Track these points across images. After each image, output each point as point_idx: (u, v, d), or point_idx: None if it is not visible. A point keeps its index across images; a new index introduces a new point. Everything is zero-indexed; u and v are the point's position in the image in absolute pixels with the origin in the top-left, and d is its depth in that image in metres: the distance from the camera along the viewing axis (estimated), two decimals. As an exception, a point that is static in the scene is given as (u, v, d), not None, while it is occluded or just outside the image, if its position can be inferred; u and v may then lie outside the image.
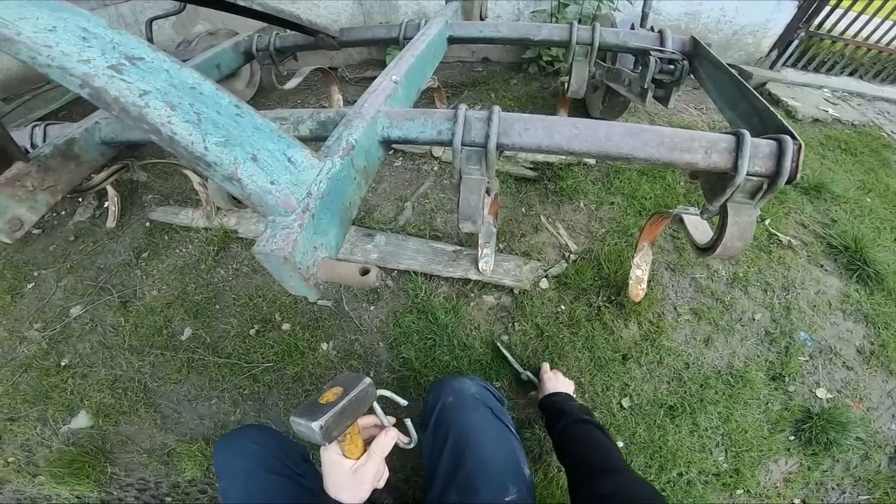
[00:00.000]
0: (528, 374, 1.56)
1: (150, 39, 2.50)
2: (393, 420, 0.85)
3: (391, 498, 0.85)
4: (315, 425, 0.69)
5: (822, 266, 1.95)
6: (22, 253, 2.20)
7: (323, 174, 0.81)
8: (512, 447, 0.97)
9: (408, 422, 0.90)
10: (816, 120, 2.95)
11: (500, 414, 1.03)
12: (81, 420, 1.65)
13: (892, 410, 1.61)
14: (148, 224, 2.21)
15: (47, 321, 1.91)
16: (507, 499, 0.86)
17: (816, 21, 3.16)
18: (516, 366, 1.60)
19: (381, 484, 0.82)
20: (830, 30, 3.31)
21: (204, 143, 0.66)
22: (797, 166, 0.93)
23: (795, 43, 3.28)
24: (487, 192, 1.11)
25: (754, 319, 1.76)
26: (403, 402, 0.88)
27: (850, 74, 3.59)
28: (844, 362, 1.69)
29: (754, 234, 1.90)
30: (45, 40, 0.63)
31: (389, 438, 0.82)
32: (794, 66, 3.49)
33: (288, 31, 1.91)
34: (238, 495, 0.94)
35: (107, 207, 2.21)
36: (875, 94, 3.42)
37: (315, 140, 1.07)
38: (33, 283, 2.07)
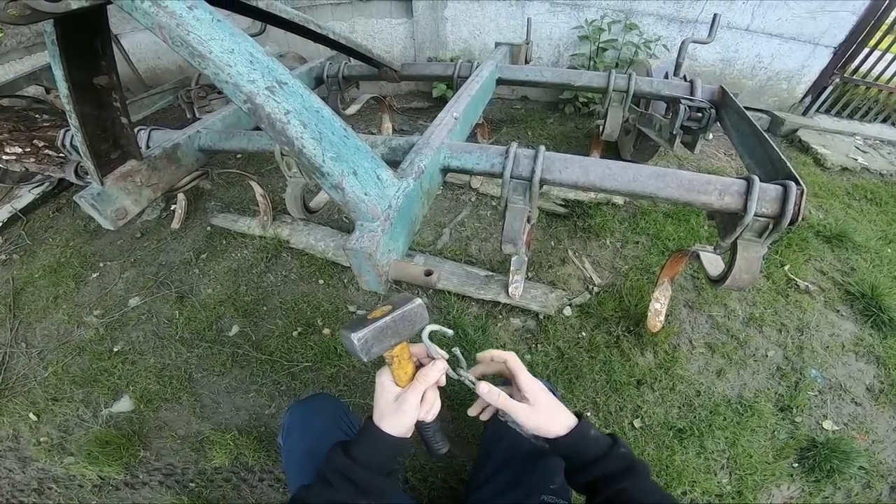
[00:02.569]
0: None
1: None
2: (445, 354, 0.82)
3: (446, 442, 0.85)
4: (355, 337, 0.69)
5: (837, 311, 2.00)
6: (91, 244, 2.43)
7: (400, 191, 0.97)
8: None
9: (456, 350, 0.86)
10: (845, 168, 2.98)
11: None
12: (124, 404, 1.75)
13: None
14: (209, 228, 2.42)
15: (106, 308, 2.09)
16: (551, 486, 0.95)
17: (852, 66, 3.16)
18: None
19: (430, 418, 0.80)
20: (865, 75, 3.31)
21: (323, 156, 0.83)
22: (799, 209, 1.04)
23: (829, 89, 3.28)
24: (528, 220, 1.26)
25: (767, 356, 1.82)
26: (450, 332, 0.83)
27: (884, 121, 3.57)
28: (853, 398, 1.73)
29: (774, 278, 2.02)
30: (228, 60, 0.82)
31: (437, 369, 0.79)
32: (827, 112, 3.48)
33: (355, 61, 2.12)
34: (313, 446, 1.01)
35: (173, 210, 2.44)
36: None
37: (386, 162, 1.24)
38: (98, 273, 2.27)
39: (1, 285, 2.28)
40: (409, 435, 0.77)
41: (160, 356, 1.88)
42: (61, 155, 2.23)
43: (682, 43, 2.05)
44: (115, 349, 1.92)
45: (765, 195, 1.07)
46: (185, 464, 1.59)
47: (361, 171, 0.89)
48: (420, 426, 0.81)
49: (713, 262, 1.37)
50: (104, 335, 1.97)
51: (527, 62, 2.57)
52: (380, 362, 0.78)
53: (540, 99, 3.55)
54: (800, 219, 1.05)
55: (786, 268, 2.13)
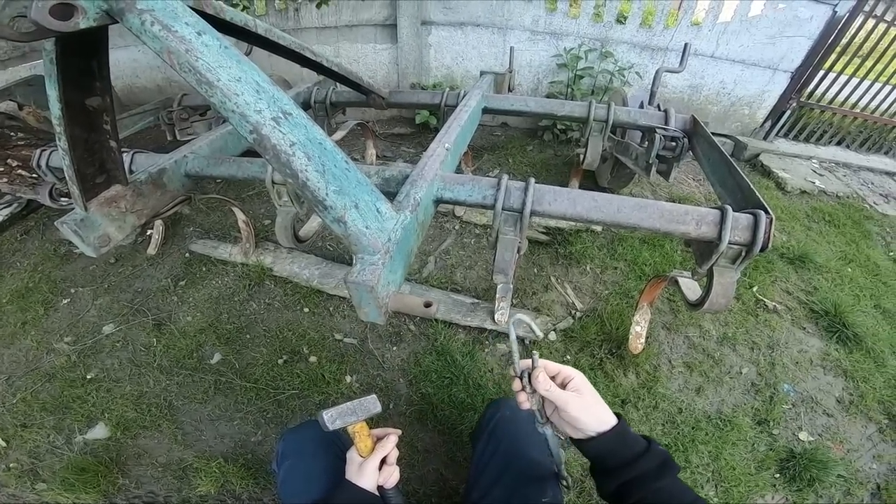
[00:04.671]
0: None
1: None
2: (526, 363, 0.84)
3: (402, 498, 1.02)
4: (325, 412, 0.93)
5: (804, 328, 2.12)
6: (61, 269, 2.34)
7: (398, 224, 0.99)
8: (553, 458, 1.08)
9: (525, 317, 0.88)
10: (804, 192, 3.17)
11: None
12: (99, 431, 1.68)
13: (872, 452, 1.72)
14: (188, 255, 2.37)
15: (78, 335, 2.01)
16: (543, 500, 0.97)
17: (808, 90, 3.36)
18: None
19: (389, 484, 0.99)
20: (820, 98, 3.54)
21: (326, 189, 0.83)
22: (769, 237, 1.12)
23: (788, 113, 3.47)
24: (518, 250, 1.29)
25: (741, 373, 1.91)
26: (540, 334, 0.93)
27: (839, 144, 3.81)
28: (825, 410, 1.83)
29: (743, 299, 2.12)
30: (235, 88, 0.82)
31: (390, 443, 1.01)
32: (786, 136, 3.70)
33: (342, 87, 2.13)
34: (308, 471, 1.07)
35: (149, 235, 2.38)
36: (860, 164, 3.64)
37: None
38: (69, 299, 2.19)
39: (-38, 310, 2.15)
40: (374, 492, 0.96)
41: (137, 384, 1.82)
42: (34, 176, 2.14)
43: (657, 73, 2.16)
44: (89, 376, 1.85)
45: (737, 224, 1.15)
46: (167, 491, 1.54)
47: (362, 204, 0.90)
48: (382, 493, 0.99)
49: (690, 287, 1.45)
50: (76, 362, 1.90)
51: (510, 90, 2.65)
52: None
53: (520, 126, 3.66)
54: (769, 245, 1.13)
55: (754, 289, 2.24)
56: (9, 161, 2.16)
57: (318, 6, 2.60)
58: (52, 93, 1.01)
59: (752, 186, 1.32)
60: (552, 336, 1.94)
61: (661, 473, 0.74)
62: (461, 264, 2.29)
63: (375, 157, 2.81)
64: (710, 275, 1.25)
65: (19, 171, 2.15)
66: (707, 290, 1.27)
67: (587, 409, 0.78)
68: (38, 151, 1.71)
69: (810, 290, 2.31)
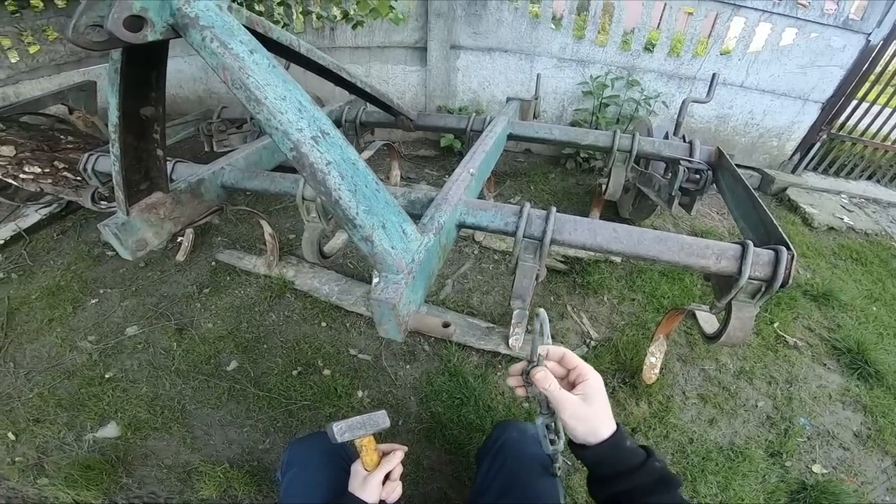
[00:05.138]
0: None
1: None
2: (548, 348, 0.79)
3: None
4: (333, 425, 0.94)
5: (825, 364, 2.08)
6: (92, 270, 2.43)
7: (422, 246, 1.01)
8: (555, 489, 1.06)
9: (541, 311, 0.82)
10: (831, 228, 3.09)
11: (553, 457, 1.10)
12: (109, 430, 1.71)
13: (886, 485, 1.68)
14: (214, 263, 2.44)
15: (102, 335, 2.07)
16: None
17: (839, 122, 3.27)
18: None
19: (392, 499, 1.00)
20: (851, 130, 3.43)
21: (357, 209, 0.87)
22: (790, 273, 1.12)
23: (817, 146, 3.38)
24: (536, 277, 1.31)
25: (757, 406, 1.88)
26: (549, 340, 0.81)
27: (869, 178, 3.69)
28: (841, 444, 1.78)
29: (763, 334, 2.12)
30: (280, 107, 0.86)
31: (395, 458, 1.01)
32: (815, 169, 3.59)
33: (372, 107, 2.18)
34: (311, 481, 1.08)
35: (179, 242, 2.46)
36: (890, 201, 3.53)
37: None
38: (97, 299, 2.26)
39: (-6, 304, 2.24)
40: None
41: (153, 385, 1.85)
42: (78, 178, 2.24)
43: (683, 103, 2.15)
44: (107, 375, 1.89)
45: (758, 259, 1.14)
46: (169, 493, 1.55)
47: (389, 224, 0.93)
48: None
49: (708, 321, 1.45)
50: (97, 361, 1.95)
51: (535, 117, 2.68)
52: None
53: (543, 153, 3.68)
54: (790, 282, 1.12)
55: (775, 325, 2.20)
56: (55, 163, 2.26)
57: (354, 27, 2.70)
58: (113, 100, 1.05)
59: (775, 222, 1.32)
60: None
61: (656, 488, 0.71)
62: (478, 289, 2.31)
63: (400, 178, 2.86)
64: (728, 308, 1.25)
65: (64, 173, 2.26)
66: (724, 323, 1.27)
67: (580, 419, 0.73)
68: (85, 156, 1.80)
69: (833, 327, 2.26)
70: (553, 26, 3.23)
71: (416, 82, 3.61)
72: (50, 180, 2.25)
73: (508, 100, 2.49)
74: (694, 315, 1.48)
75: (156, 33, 0.87)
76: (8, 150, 2.18)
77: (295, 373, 1.88)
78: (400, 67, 3.57)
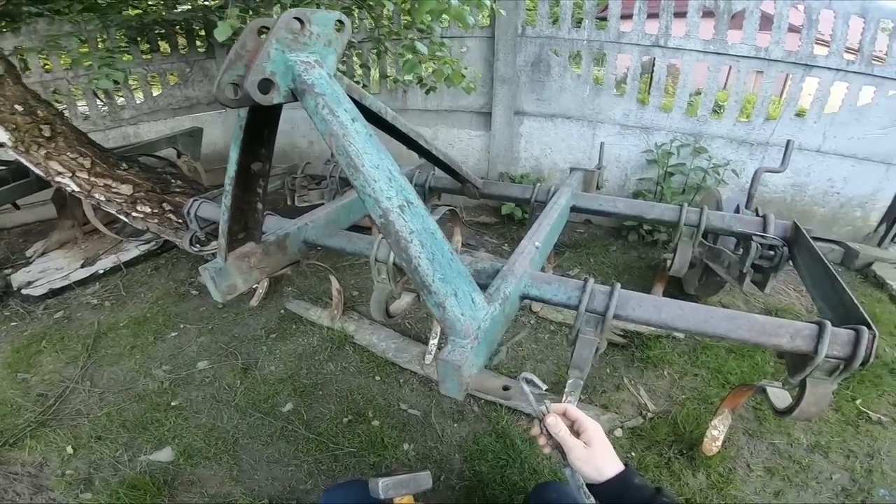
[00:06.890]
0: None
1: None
2: (552, 405, 0.88)
3: None
4: (381, 480, 0.97)
5: None
6: (177, 306, 2.69)
7: (488, 315, 1.06)
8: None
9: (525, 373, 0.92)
10: None
11: None
12: (164, 454, 1.81)
13: None
14: (283, 311, 2.63)
15: (175, 366, 2.25)
16: None
17: None
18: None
19: None
20: None
21: (433, 276, 0.93)
22: (871, 352, 1.06)
23: None
24: (596, 350, 1.30)
25: (831, 478, 1.72)
26: (544, 386, 0.90)
27: None
28: None
29: (843, 410, 1.96)
30: (374, 175, 0.94)
31: None
32: None
33: (440, 172, 2.26)
34: None
35: (254, 289, 2.66)
36: None
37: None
38: (177, 333, 2.48)
39: (86, 326, 2.53)
40: None
41: (213, 417, 1.96)
42: (180, 221, 2.49)
43: (755, 173, 2.05)
44: (173, 403, 2.04)
45: (836, 339, 1.08)
46: None
47: (461, 293, 0.99)
48: None
49: (779, 396, 1.36)
50: (166, 389, 2.10)
51: (598, 187, 2.68)
52: None
53: (604, 224, 3.57)
54: (871, 360, 1.06)
55: (857, 402, 2.02)
56: (164, 204, 2.53)
57: (427, 92, 2.89)
58: (234, 155, 1.16)
59: (855, 302, 1.24)
60: (618, 433, 1.86)
61: None
62: (532, 357, 2.29)
63: (460, 245, 2.93)
64: (802, 384, 1.19)
65: (169, 214, 2.54)
66: (798, 398, 1.20)
67: (584, 460, 0.81)
68: (190, 201, 2.02)
69: (922, 403, 2.02)
70: (616, 92, 3.22)
71: (479, 147, 3.75)
72: (156, 220, 2.53)
73: (572, 170, 2.47)
74: (764, 391, 1.40)
75: (280, 96, 0.96)
76: (126, 189, 2.46)
77: (346, 420, 1.92)
78: (465, 132, 3.73)
